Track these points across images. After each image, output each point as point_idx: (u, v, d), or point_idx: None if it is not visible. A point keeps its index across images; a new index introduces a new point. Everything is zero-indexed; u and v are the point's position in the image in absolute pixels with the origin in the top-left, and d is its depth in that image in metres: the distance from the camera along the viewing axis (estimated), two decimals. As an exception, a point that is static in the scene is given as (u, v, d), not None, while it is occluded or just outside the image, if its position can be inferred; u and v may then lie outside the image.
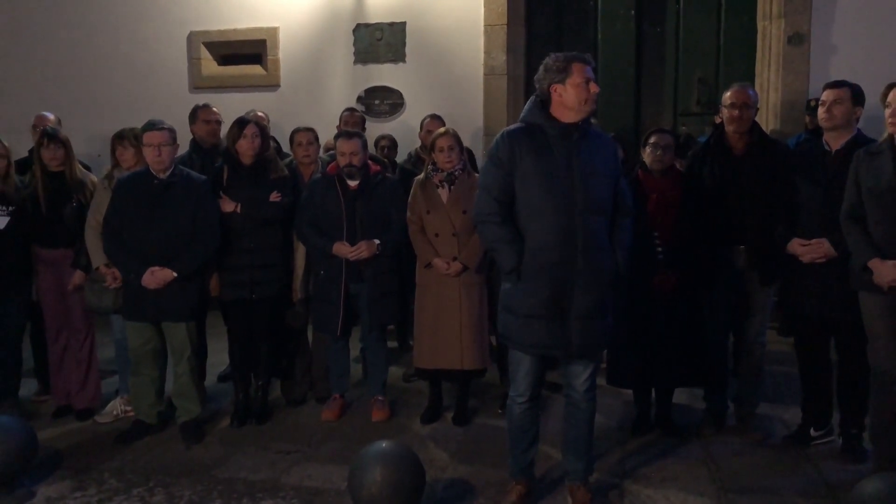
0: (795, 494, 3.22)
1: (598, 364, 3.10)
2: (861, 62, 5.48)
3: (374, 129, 5.92)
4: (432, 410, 4.15)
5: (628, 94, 6.55)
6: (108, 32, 7.11)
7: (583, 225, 2.86)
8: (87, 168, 4.50)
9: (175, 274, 3.74)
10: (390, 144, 5.55)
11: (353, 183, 4.02)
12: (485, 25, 6.43)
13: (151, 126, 3.79)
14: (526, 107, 2.99)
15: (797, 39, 5.81)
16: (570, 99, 2.85)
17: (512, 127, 3.02)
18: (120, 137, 4.10)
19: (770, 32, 5.98)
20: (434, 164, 3.99)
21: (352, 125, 5.13)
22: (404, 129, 6.28)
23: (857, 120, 3.42)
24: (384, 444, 3.04)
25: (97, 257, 3.97)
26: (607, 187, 2.96)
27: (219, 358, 4.68)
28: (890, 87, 3.14)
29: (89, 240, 3.99)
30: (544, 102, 2.92)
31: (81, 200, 4.16)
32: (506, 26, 6.40)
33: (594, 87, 2.86)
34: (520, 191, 2.91)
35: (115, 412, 4.21)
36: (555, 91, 2.88)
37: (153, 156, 3.75)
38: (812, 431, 3.67)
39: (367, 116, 5.95)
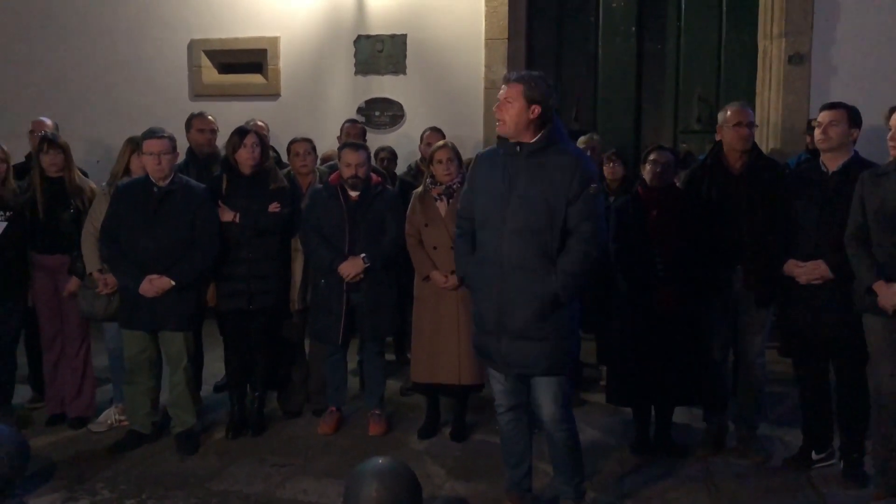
0: (796, 518, 3.20)
1: (563, 392, 2.99)
2: (862, 83, 5.50)
3: (374, 140, 5.90)
4: (429, 425, 4.12)
5: (628, 111, 6.56)
6: (109, 39, 7.09)
7: (511, 244, 2.87)
8: (85, 174, 4.47)
9: (173, 282, 3.72)
10: (390, 156, 5.53)
11: (354, 193, 4.00)
12: (486, 39, 6.44)
13: (152, 134, 3.78)
14: None
15: (798, 59, 5.84)
16: None
17: (485, 149, 3.20)
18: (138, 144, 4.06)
19: (770, 52, 6.01)
20: (433, 176, 3.98)
21: (353, 136, 5.11)
22: (404, 141, 6.27)
23: (854, 141, 3.42)
24: (380, 460, 3.02)
25: (91, 263, 3.94)
26: (549, 209, 2.83)
27: (215, 368, 4.64)
28: (893, 109, 3.14)
29: (86, 245, 3.96)
30: None
31: (79, 206, 4.13)
32: (506, 40, 6.41)
33: (497, 104, 2.89)
34: (475, 208, 3.05)
35: (109, 421, 4.16)
36: None
37: (153, 164, 3.74)
38: (813, 454, 3.64)
39: (367, 128, 5.94)
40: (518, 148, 2.89)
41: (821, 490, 3.44)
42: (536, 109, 2.83)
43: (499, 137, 3.00)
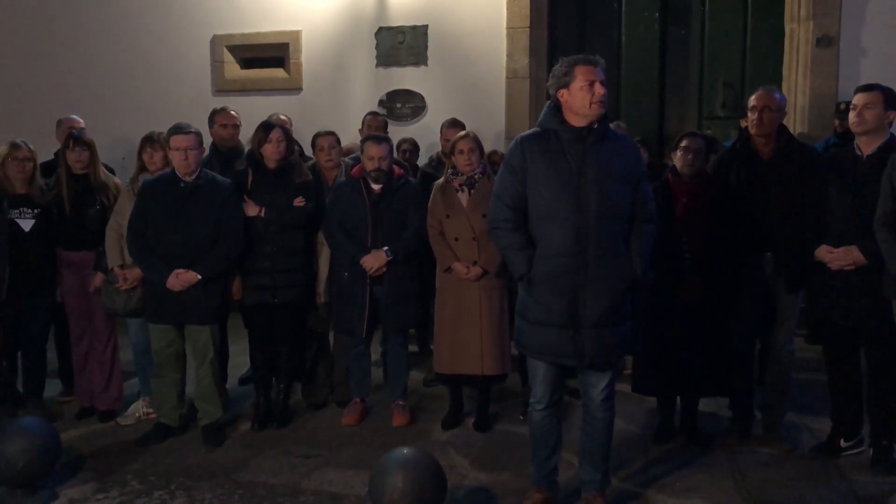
0: (824, 506, 3.16)
1: (616, 372, 3.04)
2: (893, 65, 5.37)
3: (396, 132, 5.90)
4: (453, 416, 4.13)
5: (652, 98, 6.50)
6: (132, 36, 7.18)
7: (595, 230, 2.81)
8: (111, 171, 4.53)
9: (199, 276, 3.76)
10: (412, 148, 5.54)
11: (376, 186, 4.01)
12: (507, 28, 6.41)
13: (178, 130, 3.81)
14: (543, 112, 2.98)
15: (826, 42, 5.72)
16: (575, 103, 2.83)
17: (527, 132, 3.01)
18: (150, 140, 4.13)
19: (798, 35, 5.90)
20: (454, 167, 3.97)
21: (375, 128, 5.12)
22: (426, 132, 6.27)
23: (890, 124, 3.35)
24: (405, 450, 3.03)
25: (113, 259, 4.00)
26: (624, 192, 2.87)
27: (240, 360, 4.68)
28: None
29: (108, 242, 4.03)
30: (558, 107, 2.90)
31: (105, 203, 4.19)
32: (528, 29, 6.38)
33: (599, 89, 2.79)
34: (531, 196, 2.89)
35: (137, 414, 4.23)
36: (561, 96, 2.87)
37: (180, 159, 3.77)
38: (842, 442, 3.59)
39: (388, 120, 5.95)
40: (587, 133, 2.84)
41: (850, 478, 3.40)
42: None
43: (561, 123, 2.85)
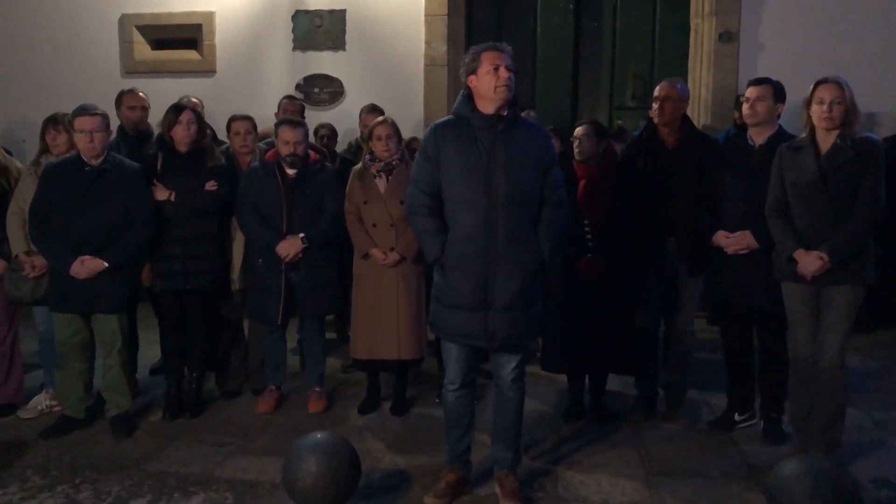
0: (719, 476, 3.34)
1: (526, 354, 3.13)
2: (788, 60, 5.68)
3: (314, 117, 5.85)
4: (370, 401, 4.15)
5: (565, 87, 6.64)
6: (37, 14, 6.82)
7: (504, 215, 2.88)
8: (10, 153, 4.32)
9: (106, 264, 3.64)
10: (330, 133, 5.50)
11: (291, 171, 3.97)
12: (425, 16, 6.42)
13: (83, 111, 3.68)
14: (457, 100, 3.03)
15: (727, 37, 5.99)
16: (482, 88, 2.89)
17: (441, 120, 3.06)
18: (53, 122, 3.98)
19: (702, 30, 6.15)
20: (372, 153, 3.98)
21: (291, 113, 5.05)
22: (344, 118, 6.23)
23: (779, 116, 3.55)
24: (319, 435, 3.02)
25: (17, 245, 3.84)
26: (533, 178, 2.95)
27: (150, 350, 4.57)
28: (816, 85, 3.21)
29: (10, 227, 3.86)
30: (470, 95, 2.96)
31: (5, 187, 4.00)
32: (446, 17, 6.41)
33: (504, 73, 2.85)
34: (444, 182, 2.95)
35: (39, 407, 4.07)
36: (471, 83, 2.93)
37: (85, 142, 3.64)
38: (736, 416, 3.82)
39: (306, 104, 5.87)
40: (497, 121, 2.89)
41: (743, 448, 3.62)
42: None
43: (472, 111, 2.91)
